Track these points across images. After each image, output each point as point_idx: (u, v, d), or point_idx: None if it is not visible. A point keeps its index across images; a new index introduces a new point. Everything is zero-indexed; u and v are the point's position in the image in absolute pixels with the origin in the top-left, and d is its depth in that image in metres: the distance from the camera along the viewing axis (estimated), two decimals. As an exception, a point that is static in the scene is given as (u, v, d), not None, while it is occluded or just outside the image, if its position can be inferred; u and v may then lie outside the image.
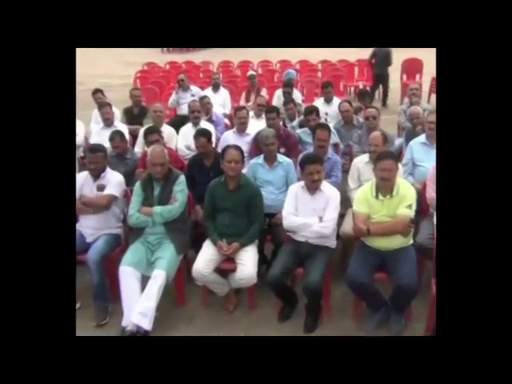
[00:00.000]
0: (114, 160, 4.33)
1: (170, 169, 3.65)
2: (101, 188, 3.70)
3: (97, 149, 3.75)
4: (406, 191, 3.18)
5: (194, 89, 7.29)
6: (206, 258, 3.45)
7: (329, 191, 3.43)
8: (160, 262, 3.40)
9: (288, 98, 6.13)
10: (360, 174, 3.96)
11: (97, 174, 3.73)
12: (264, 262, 3.85)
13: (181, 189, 3.59)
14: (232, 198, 3.53)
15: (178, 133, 5.40)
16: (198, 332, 3.40)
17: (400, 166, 3.63)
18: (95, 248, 3.57)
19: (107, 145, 4.40)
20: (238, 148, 3.61)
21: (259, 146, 4.18)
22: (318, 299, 3.36)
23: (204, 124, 5.30)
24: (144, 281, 3.39)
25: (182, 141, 5.29)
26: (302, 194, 3.46)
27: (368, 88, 9.32)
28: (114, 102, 5.98)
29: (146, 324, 3.21)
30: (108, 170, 3.80)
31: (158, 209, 3.48)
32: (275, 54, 12.12)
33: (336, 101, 6.12)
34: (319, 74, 10.24)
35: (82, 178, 3.77)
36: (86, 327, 3.40)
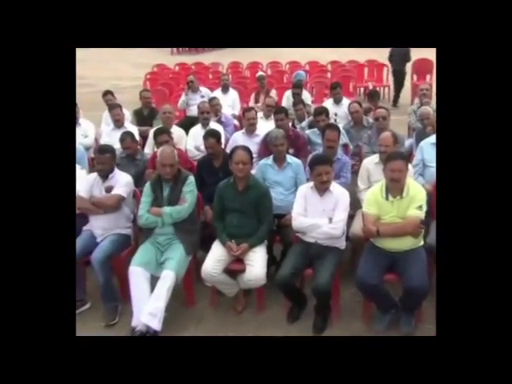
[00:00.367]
0: (124, 161, 4.36)
1: (180, 170, 3.66)
2: (109, 189, 3.72)
3: (105, 150, 3.78)
4: (416, 192, 3.16)
5: (204, 90, 7.31)
6: (215, 258, 3.46)
7: (338, 192, 3.42)
8: (169, 263, 3.41)
9: (297, 99, 6.15)
10: (370, 174, 3.94)
11: (105, 175, 3.74)
12: (273, 262, 3.84)
13: (190, 189, 3.60)
14: (241, 199, 3.53)
15: (187, 134, 5.42)
16: (206, 332, 3.40)
17: (410, 166, 3.60)
18: (100, 247, 3.58)
19: (117, 146, 4.41)
20: (246, 149, 3.59)
21: (268, 146, 4.18)
22: (327, 300, 3.35)
23: (213, 125, 5.31)
24: (153, 281, 3.40)
25: (192, 142, 5.31)
26: (311, 194, 3.45)
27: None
28: (124, 104, 6.02)
29: (156, 324, 3.22)
30: (116, 170, 3.82)
31: (167, 209, 3.50)
32: (284, 55, 12.12)
33: (345, 101, 6.11)
34: (328, 74, 10.23)
35: (92, 178, 3.79)
36: (95, 327, 3.43)
